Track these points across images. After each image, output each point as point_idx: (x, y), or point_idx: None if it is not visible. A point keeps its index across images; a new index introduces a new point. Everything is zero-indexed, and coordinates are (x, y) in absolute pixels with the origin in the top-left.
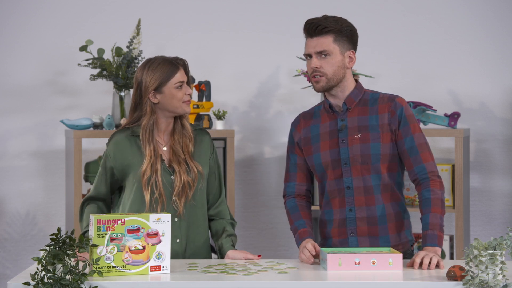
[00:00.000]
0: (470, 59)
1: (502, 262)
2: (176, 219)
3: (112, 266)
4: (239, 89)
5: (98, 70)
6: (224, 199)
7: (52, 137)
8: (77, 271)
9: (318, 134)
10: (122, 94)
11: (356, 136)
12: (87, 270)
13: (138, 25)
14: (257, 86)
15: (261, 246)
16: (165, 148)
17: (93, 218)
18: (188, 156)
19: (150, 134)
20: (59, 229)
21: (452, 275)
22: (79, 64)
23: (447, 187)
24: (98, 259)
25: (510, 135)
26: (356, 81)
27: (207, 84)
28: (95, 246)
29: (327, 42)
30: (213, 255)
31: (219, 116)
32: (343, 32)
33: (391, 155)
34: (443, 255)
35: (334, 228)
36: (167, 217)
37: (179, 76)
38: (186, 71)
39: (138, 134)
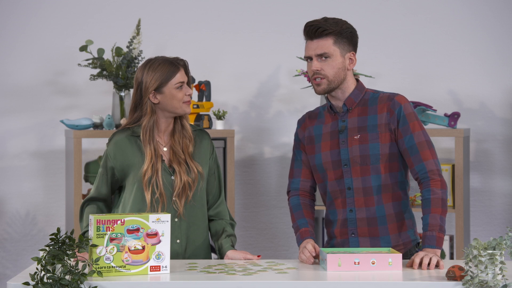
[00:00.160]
0: (470, 59)
1: (501, 262)
2: (176, 219)
3: (112, 266)
4: (239, 89)
5: (98, 70)
6: (223, 199)
7: (52, 137)
8: (76, 271)
9: (321, 135)
10: (122, 94)
11: (355, 137)
12: (86, 270)
13: (138, 25)
14: (257, 86)
15: (260, 246)
16: (165, 149)
17: (92, 218)
18: (188, 157)
19: (151, 134)
20: (58, 229)
21: (451, 275)
22: (79, 64)
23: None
24: (97, 259)
25: (510, 135)
26: (357, 80)
27: (207, 84)
28: (95, 246)
29: (327, 44)
30: (212, 255)
31: (219, 116)
32: (343, 34)
33: (391, 155)
34: (443, 255)
35: (337, 228)
36: (167, 217)
37: (180, 76)
38: (187, 72)
39: (138, 134)
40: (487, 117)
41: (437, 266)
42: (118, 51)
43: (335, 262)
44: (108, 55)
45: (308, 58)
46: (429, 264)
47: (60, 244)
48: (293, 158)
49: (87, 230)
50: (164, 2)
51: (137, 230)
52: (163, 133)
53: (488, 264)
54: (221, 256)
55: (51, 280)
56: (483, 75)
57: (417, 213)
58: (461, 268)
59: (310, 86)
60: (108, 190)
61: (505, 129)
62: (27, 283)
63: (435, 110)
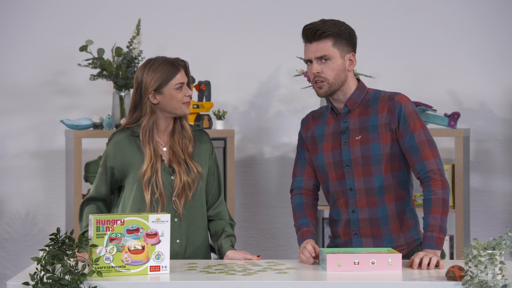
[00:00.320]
0: (470, 59)
1: (501, 262)
2: (175, 220)
3: (112, 266)
4: (239, 89)
5: (98, 70)
6: (223, 199)
7: (52, 137)
8: (76, 271)
9: (323, 135)
10: (122, 94)
11: (356, 138)
12: (86, 270)
13: (138, 25)
14: (257, 86)
15: (260, 246)
16: (164, 149)
17: (92, 218)
18: (188, 157)
19: (150, 134)
20: (58, 229)
21: (451, 275)
22: (79, 64)
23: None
24: (97, 259)
25: (510, 135)
26: (358, 80)
27: (207, 84)
28: (95, 246)
29: (326, 46)
30: (212, 255)
31: (219, 116)
32: (342, 35)
33: (393, 155)
34: (443, 255)
35: (341, 228)
36: (167, 217)
37: (179, 77)
38: (187, 73)
39: (138, 134)
40: (487, 117)
41: (437, 266)
42: (118, 51)
43: (335, 262)
44: (108, 55)
45: (308, 61)
46: (429, 264)
47: (60, 244)
48: (296, 157)
49: (87, 230)
50: (164, 2)
51: (137, 230)
52: (163, 133)
53: (487, 264)
54: (220, 256)
55: (50, 280)
56: (483, 75)
57: (418, 213)
58: (460, 268)
59: (310, 86)
60: (107, 190)
61: (505, 129)
62: (26, 283)
63: (435, 110)
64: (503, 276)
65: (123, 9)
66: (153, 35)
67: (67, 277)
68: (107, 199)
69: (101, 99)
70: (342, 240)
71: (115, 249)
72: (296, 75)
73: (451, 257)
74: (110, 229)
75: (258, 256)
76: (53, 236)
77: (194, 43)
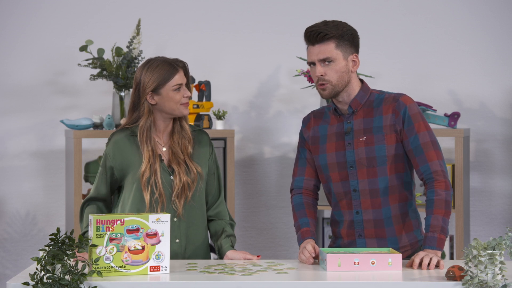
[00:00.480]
0: (470, 59)
1: (501, 262)
2: (175, 220)
3: (112, 266)
4: (239, 89)
5: (98, 70)
6: (223, 199)
7: (52, 137)
8: (76, 271)
9: (326, 135)
10: (122, 94)
11: (361, 139)
12: (86, 270)
13: (138, 25)
14: (257, 86)
15: (260, 246)
16: (164, 149)
17: (92, 218)
18: (187, 157)
19: (148, 134)
20: (58, 229)
21: (451, 275)
22: (79, 64)
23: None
24: (97, 259)
25: (510, 135)
26: (362, 81)
27: (207, 84)
28: (95, 246)
29: (329, 48)
30: (212, 255)
31: (219, 116)
32: (345, 36)
33: (397, 156)
34: (443, 256)
35: (344, 229)
36: (167, 217)
37: (178, 78)
38: (186, 74)
39: (137, 134)
40: (487, 117)
41: (437, 266)
42: (118, 51)
43: (335, 262)
44: (108, 55)
45: (311, 64)
46: (429, 264)
47: (60, 244)
48: (297, 156)
49: (87, 230)
50: (164, 2)
51: (137, 230)
52: (162, 133)
53: (487, 264)
54: (220, 256)
55: (50, 280)
56: (483, 75)
57: (419, 213)
58: (460, 268)
59: (310, 86)
60: (107, 190)
61: (505, 129)
62: (26, 283)
63: (435, 110)
64: (503, 276)
65: (123, 9)
66: (153, 35)
67: (67, 277)
68: (108, 199)
69: (101, 99)
70: (345, 241)
71: (115, 249)
72: (296, 75)
73: (451, 257)
74: (110, 229)
75: (258, 256)
76: (53, 236)
77: (194, 43)
